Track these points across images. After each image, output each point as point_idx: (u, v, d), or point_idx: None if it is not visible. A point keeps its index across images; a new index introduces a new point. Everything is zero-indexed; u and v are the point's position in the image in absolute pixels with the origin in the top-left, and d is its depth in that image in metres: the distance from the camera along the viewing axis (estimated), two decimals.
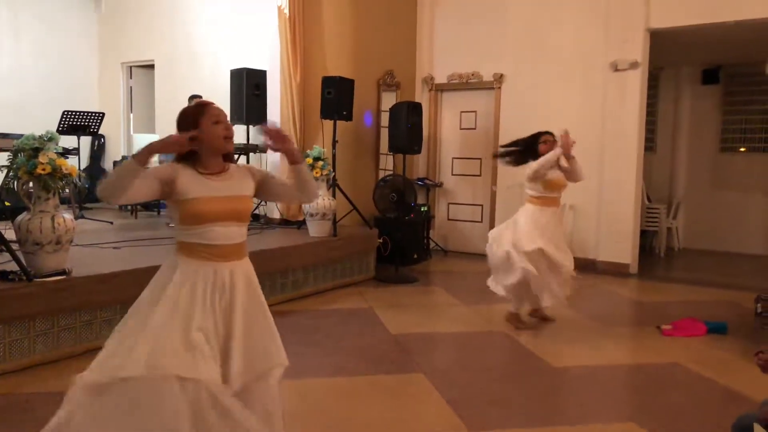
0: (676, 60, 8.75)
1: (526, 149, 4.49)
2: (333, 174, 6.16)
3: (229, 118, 6.47)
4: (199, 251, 1.97)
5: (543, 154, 4.33)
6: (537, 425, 2.95)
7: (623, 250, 6.91)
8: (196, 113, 2.05)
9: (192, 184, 1.98)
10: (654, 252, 8.38)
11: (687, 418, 3.08)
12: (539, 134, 4.49)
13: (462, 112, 8.14)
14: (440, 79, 8.14)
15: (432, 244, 7.94)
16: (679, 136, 9.17)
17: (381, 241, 6.53)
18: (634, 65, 6.74)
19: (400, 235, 6.70)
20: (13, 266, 3.59)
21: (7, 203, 5.33)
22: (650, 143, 8.81)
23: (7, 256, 3.68)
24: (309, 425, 2.84)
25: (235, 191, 2.04)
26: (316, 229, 5.92)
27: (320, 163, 5.87)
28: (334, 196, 6.18)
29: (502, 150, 4.78)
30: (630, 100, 6.82)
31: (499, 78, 7.68)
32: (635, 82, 6.78)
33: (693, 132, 9.08)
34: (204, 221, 1.96)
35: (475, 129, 8.06)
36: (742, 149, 8.84)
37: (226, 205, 1.99)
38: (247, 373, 1.98)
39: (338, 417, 3.00)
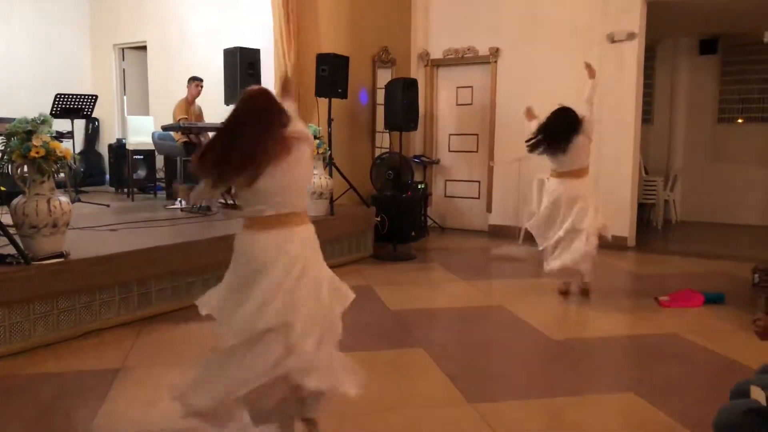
0: (673, 31, 8.68)
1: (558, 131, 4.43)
2: (329, 152, 6.13)
3: (223, 99, 6.41)
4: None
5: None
6: (535, 397, 2.97)
7: (621, 223, 6.91)
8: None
9: None
10: (651, 225, 8.39)
11: (686, 388, 3.10)
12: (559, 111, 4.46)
13: (458, 87, 8.08)
14: (436, 54, 8.07)
15: (429, 222, 7.94)
16: (677, 107, 9.13)
17: (378, 219, 6.52)
18: (631, 36, 6.68)
19: (397, 213, 6.69)
20: (10, 250, 3.59)
21: (2, 188, 5.30)
22: (647, 115, 8.78)
23: (4, 240, 3.67)
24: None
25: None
26: (313, 209, 5.89)
27: (316, 141, 5.82)
28: (330, 175, 6.16)
29: (531, 143, 4.60)
30: (627, 72, 6.77)
31: (495, 52, 7.61)
32: (632, 54, 6.72)
33: (690, 103, 9.04)
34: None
35: (471, 104, 8.01)
36: (740, 120, 8.80)
37: None
38: None
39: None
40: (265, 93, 2.28)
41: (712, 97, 8.91)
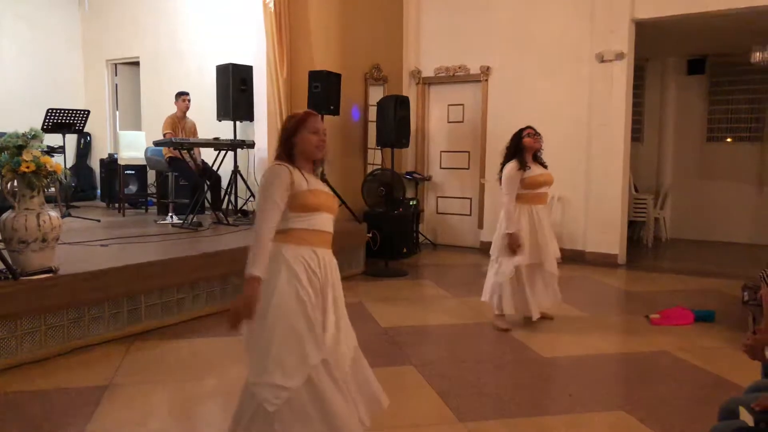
0: (661, 50, 8.80)
1: (515, 150, 4.34)
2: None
3: (215, 115, 6.41)
4: (307, 237, 2.19)
5: (528, 147, 4.32)
6: (527, 415, 2.96)
7: (611, 240, 6.96)
8: (297, 123, 2.30)
9: (302, 179, 2.22)
10: (642, 242, 8.44)
11: (676, 406, 3.10)
12: (521, 130, 4.40)
13: (449, 105, 8.15)
14: (427, 72, 8.14)
15: (421, 238, 7.95)
16: (666, 126, 9.23)
17: (370, 235, 6.53)
18: (620, 56, 6.77)
19: (389, 229, 6.70)
20: None
21: None
22: (637, 134, 8.87)
23: None
24: None
25: (327, 189, 2.35)
26: None
27: None
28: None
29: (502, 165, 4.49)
30: (616, 91, 6.85)
31: (486, 70, 7.68)
32: (621, 73, 6.81)
33: (679, 122, 9.15)
34: (316, 209, 2.22)
35: (462, 122, 8.07)
36: (729, 139, 8.91)
37: (328, 199, 2.31)
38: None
39: None
40: None
41: (701, 116, 9.02)
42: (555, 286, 4.50)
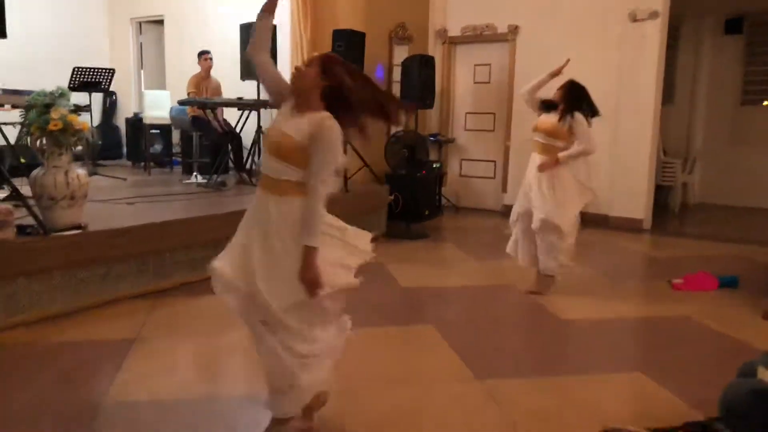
0: (697, 9, 8.49)
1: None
2: None
3: (239, 74, 6.36)
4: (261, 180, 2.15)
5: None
6: (543, 374, 3.00)
7: (637, 205, 6.86)
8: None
9: (280, 114, 2.14)
10: (668, 207, 8.31)
11: (695, 369, 3.10)
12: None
13: (476, 65, 8.00)
14: (454, 31, 7.98)
15: (444, 201, 7.93)
16: (699, 88, 8.96)
17: (392, 197, 6.53)
18: (653, 15, 6.55)
19: (411, 191, 6.69)
20: (30, 221, 3.66)
21: (22, 159, 5.38)
22: (668, 96, 8.62)
23: (24, 210, 3.74)
24: None
25: (288, 129, 2.07)
26: None
27: None
28: (345, 152, 6.14)
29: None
30: (648, 52, 6.65)
31: (514, 30, 7.51)
32: (654, 33, 6.60)
33: (713, 84, 8.87)
34: (266, 150, 2.13)
35: (489, 83, 7.94)
36: (765, 103, 8.62)
37: (273, 138, 2.10)
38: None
39: (350, 368, 3.05)
40: None
41: (736, 78, 8.73)
42: (543, 252, 4.22)
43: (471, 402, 2.67)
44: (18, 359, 3.09)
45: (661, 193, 8.19)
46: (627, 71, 6.77)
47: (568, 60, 4.35)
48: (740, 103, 8.75)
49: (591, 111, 4.16)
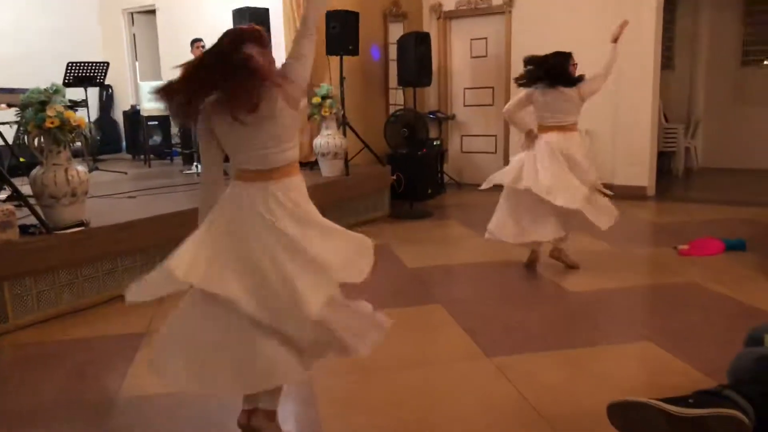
0: None
1: (555, 71, 4.00)
2: (342, 112, 6.08)
3: None
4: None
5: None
6: (553, 348, 3.00)
7: (640, 172, 6.83)
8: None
9: None
10: (672, 173, 8.26)
11: (704, 336, 3.10)
12: (567, 55, 4.07)
13: (472, 39, 7.92)
14: (448, 6, 7.89)
15: (446, 178, 7.90)
16: (699, 51, 8.86)
17: (394, 178, 6.51)
18: None
19: (413, 170, 6.67)
20: (32, 220, 3.66)
21: (21, 159, 5.37)
22: (668, 61, 8.53)
23: (26, 210, 3.74)
24: (329, 359, 2.92)
25: None
26: (328, 169, 5.91)
27: (328, 101, 5.79)
28: (344, 134, 6.12)
29: (523, 76, 4.17)
30: (646, 15, 6.56)
31: (509, 2, 7.42)
32: None
33: (713, 46, 8.76)
34: None
35: (486, 57, 7.86)
36: (766, 62, 8.52)
37: None
38: None
39: None
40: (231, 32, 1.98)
41: (736, 38, 8.62)
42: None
43: (482, 379, 2.68)
44: (30, 358, 3.11)
45: (664, 160, 8.14)
46: (625, 38, 6.65)
47: (626, 21, 4.29)
48: (741, 64, 8.66)
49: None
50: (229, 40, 1.93)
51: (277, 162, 2.00)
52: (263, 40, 1.97)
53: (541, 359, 2.87)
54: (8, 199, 4.10)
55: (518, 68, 7.56)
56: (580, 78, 4.07)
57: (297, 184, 2.06)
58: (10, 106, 4.63)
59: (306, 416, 2.47)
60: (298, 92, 1.96)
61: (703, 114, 8.78)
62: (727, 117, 8.68)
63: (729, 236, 4.73)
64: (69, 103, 3.81)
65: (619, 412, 1.91)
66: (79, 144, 4.07)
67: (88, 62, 7.02)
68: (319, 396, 2.55)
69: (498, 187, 4.58)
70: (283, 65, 1.97)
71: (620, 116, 6.82)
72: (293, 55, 1.96)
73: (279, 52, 6.73)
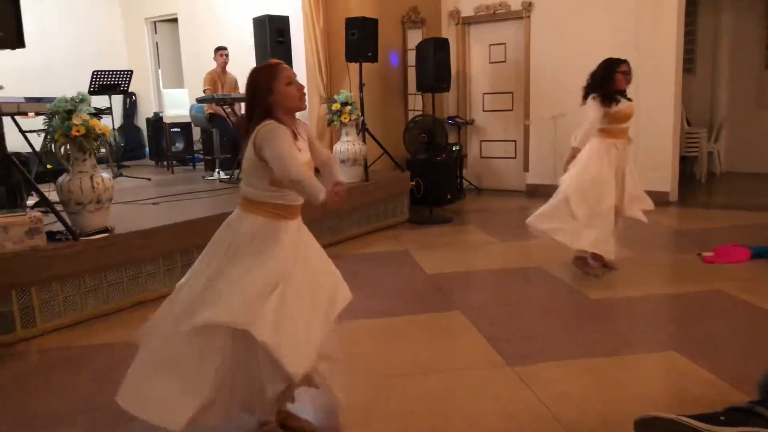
0: None
1: (601, 83, 3.99)
2: (362, 118, 6.11)
3: None
4: (276, 211, 2.11)
5: (620, 85, 4.02)
6: (575, 357, 2.97)
7: (662, 178, 6.74)
8: (269, 77, 2.08)
9: (294, 146, 2.06)
10: (695, 178, 8.15)
11: (729, 344, 3.06)
12: (614, 62, 4.03)
13: (491, 44, 7.91)
14: (467, 12, 7.88)
15: (465, 184, 7.89)
16: (720, 54, 8.74)
17: (414, 183, 6.51)
18: None
19: (432, 176, 6.67)
20: (59, 227, 3.73)
21: (49, 166, 5.48)
22: (689, 64, 8.42)
23: (53, 217, 3.81)
24: (350, 367, 2.93)
25: (308, 156, 2.15)
26: (348, 175, 5.92)
27: (348, 108, 5.82)
28: (364, 141, 6.15)
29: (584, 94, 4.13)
30: (667, 19, 6.50)
31: (528, 6, 7.39)
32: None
33: (735, 49, 8.63)
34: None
35: (505, 62, 7.84)
36: None
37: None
38: None
39: (378, 357, 3.08)
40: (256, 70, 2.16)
41: (759, 41, 8.49)
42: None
43: (502, 387, 2.67)
44: (55, 362, 3.16)
45: (686, 164, 8.04)
46: (645, 41, 6.62)
47: None
48: (764, 67, 8.52)
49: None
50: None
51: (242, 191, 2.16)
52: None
53: (563, 367, 2.84)
54: (35, 205, 4.18)
55: (538, 73, 7.61)
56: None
57: (248, 220, 2.11)
58: (38, 114, 4.73)
59: (327, 424, 2.48)
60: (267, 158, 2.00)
61: (726, 118, 8.65)
62: (751, 120, 8.54)
63: (755, 243, 4.66)
64: (94, 111, 3.88)
65: (647, 428, 1.88)
66: (103, 151, 4.15)
67: (113, 71, 7.15)
68: (339, 403, 2.56)
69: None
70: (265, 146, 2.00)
71: (642, 121, 6.72)
72: (275, 157, 1.98)
73: (299, 58, 6.81)
